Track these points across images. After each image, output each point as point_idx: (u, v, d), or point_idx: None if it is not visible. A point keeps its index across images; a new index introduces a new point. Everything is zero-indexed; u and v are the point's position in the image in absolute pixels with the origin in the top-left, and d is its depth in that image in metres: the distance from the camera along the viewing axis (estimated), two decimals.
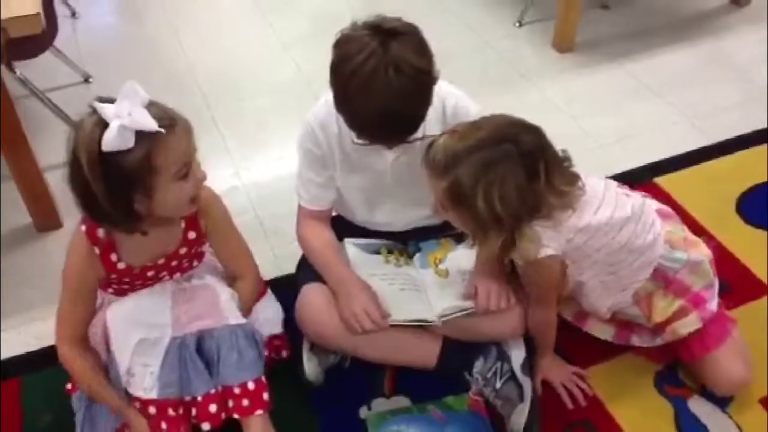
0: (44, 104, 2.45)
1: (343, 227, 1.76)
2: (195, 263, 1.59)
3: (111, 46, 3.06)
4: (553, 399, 1.65)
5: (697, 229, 1.94)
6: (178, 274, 1.56)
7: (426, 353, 1.66)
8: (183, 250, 1.53)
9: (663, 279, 1.55)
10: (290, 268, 1.84)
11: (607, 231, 1.46)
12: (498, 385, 1.60)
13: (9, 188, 2.14)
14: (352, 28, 1.41)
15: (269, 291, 1.73)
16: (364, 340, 1.60)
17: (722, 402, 1.64)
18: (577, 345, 1.71)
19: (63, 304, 1.51)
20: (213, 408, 1.41)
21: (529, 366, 1.63)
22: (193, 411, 1.42)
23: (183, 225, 1.51)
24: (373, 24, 1.39)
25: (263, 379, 1.45)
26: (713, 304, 1.58)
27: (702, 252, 1.59)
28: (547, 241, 1.42)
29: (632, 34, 2.95)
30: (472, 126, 1.39)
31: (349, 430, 1.62)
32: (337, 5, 3.10)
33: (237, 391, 1.42)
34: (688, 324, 1.56)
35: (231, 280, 1.61)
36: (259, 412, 1.42)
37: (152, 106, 1.31)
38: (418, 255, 1.75)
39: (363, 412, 1.65)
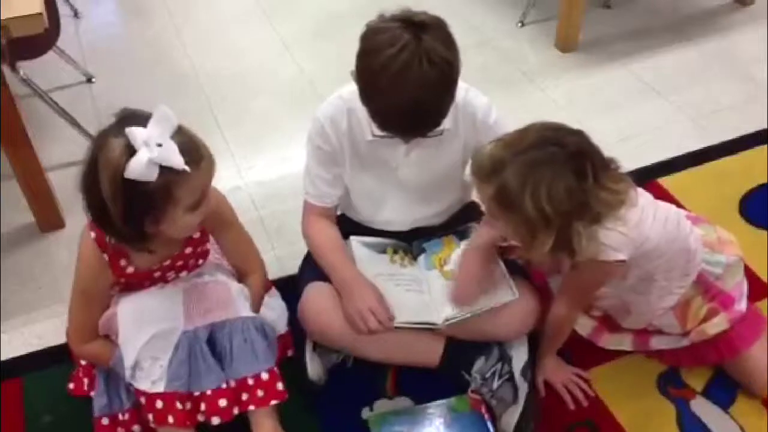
0: (47, 104, 2.45)
1: (347, 226, 1.76)
2: (200, 261, 1.60)
3: (114, 46, 3.05)
4: (555, 399, 1.65)
5: None
6: (184, 273, 1.57)
7: (429, 352, 1.66)
8: (188, 250, 1.54)
9: (704, 284, 1.56)
10: (293, 268, 1.84)
11: (668, 237, 1.47)
12: (495, 385, 1.60)
13: (11, 187, 2.14)
14: (381, 20, 1.41)
15: (275, 290, 1.73)
16: (367, 339, 1.59)
17: (725, 403, 1.63)
18: (579, 347, 1.70)
19: (74, 310, 1.52)
20: (223, 403, 1.41)
21: (532, 369, 1.63)
22: (202, 406, 1.42)
23: None
24: (402, 17, 1.39)
25: (276, 369, 1.45)
26: (742, 305, 1.58)
27: (735, 251, 1.60)
28: (618, 245, 1.40)
29: (635, 34, 2.94)
30: (517, 133, 1.38)
31: (351, 431, 1.62)
32: (340, 6, 3.10)
33: (251, 382, 1.43)
34: (717, 324, 1.56)
35: (239, 277, 1.63)
36: (275, 402, 1.43)
37: (180, 135, 1.30)
38: (422, 257, 1.74)
39: (365, 412, 1.65)
